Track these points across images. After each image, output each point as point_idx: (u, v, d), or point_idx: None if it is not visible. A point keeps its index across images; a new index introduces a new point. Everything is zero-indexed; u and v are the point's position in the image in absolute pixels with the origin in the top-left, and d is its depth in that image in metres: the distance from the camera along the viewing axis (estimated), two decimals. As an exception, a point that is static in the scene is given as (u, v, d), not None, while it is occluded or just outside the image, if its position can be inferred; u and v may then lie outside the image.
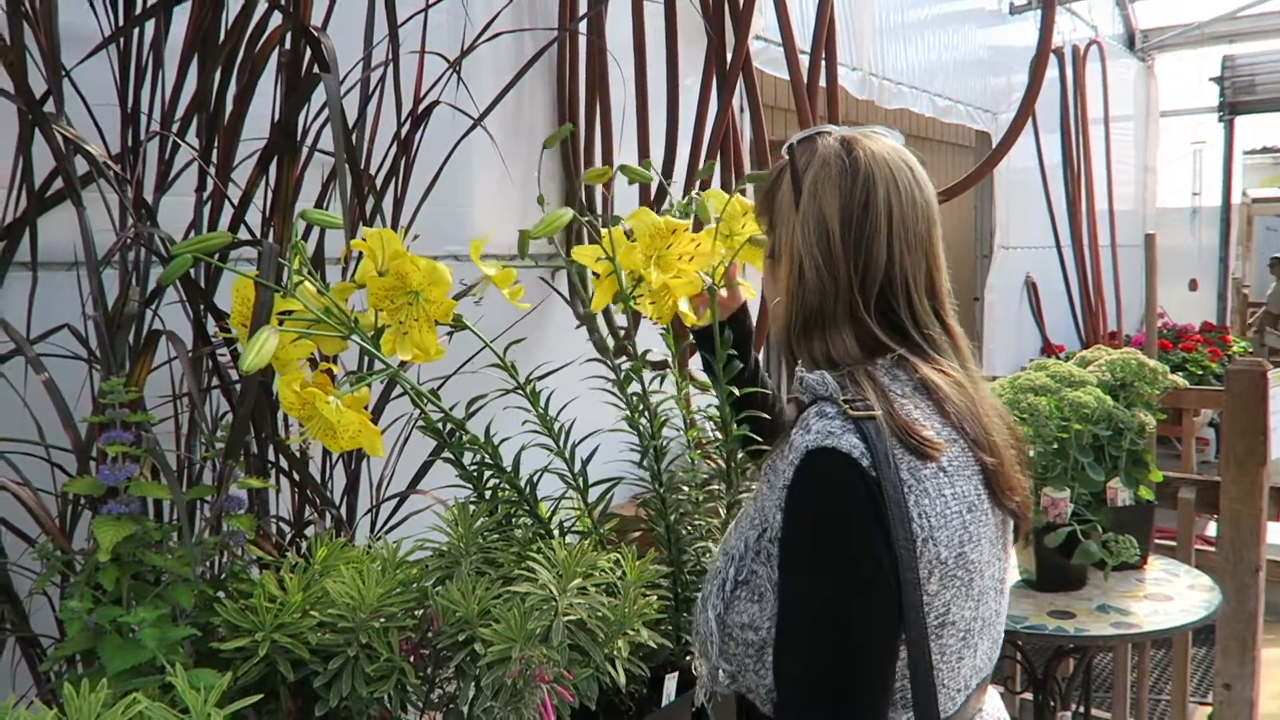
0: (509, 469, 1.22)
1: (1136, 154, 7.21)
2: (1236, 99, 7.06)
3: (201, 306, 1.23)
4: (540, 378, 1.32)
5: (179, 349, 0.98)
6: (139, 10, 1.25)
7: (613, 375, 1.29)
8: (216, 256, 1.14)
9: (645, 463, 1.30)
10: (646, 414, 1.31)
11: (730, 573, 0.95)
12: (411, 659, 1.03)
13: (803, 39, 2.24)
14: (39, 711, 0.75)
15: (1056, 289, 5.44)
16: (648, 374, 1.31)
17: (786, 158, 0.98)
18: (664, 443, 1.31)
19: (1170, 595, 2.03)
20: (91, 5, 1.25)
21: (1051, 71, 5.05)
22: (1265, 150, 8.68)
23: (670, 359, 1.39)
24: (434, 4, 1.40)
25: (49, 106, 1.13)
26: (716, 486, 1.37)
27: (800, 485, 0.88)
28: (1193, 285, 7.31)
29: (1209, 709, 2.80)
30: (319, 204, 1.41)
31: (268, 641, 0.98)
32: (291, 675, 1.00)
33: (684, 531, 1.34)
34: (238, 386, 1.25)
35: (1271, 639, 3.87)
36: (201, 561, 1.00)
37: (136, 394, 1.00)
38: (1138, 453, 2.15)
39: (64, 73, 1.17)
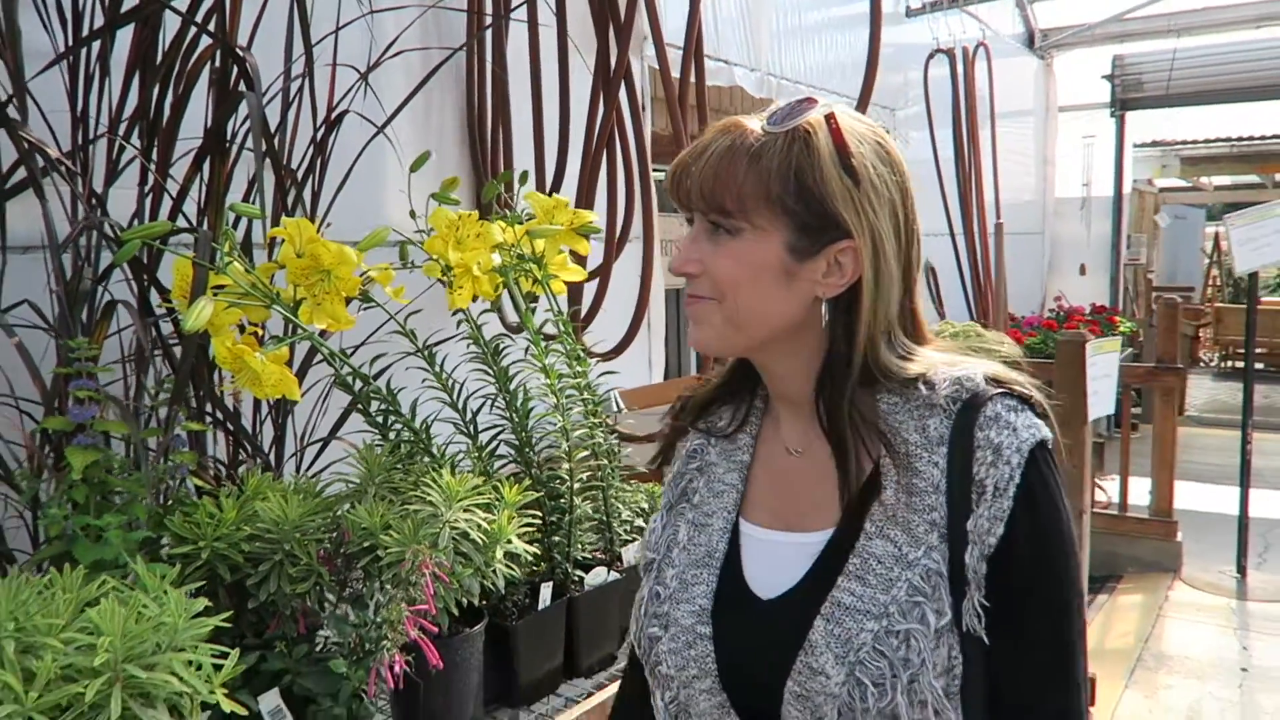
0: (407, 415, 1.48)
1: (1036, 147, 7.66)
2: (1126, 96, 7.55)
3: (146, 282, 1.46)
4: (435, 344, 1.58)
5: (132, 313, 1.21)
6: (87, 31, 1.47)
7: (480, 349, 1.56)
8: (159, 241, 1.38)
9: (512, 415, 1.58)
10: (505, 379, 1.60)
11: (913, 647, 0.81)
12: (326, 564, 1.29)
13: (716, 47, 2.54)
14: (36, 579, 0.99)
15: (954, 274, 5.82)
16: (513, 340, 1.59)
17: (820, 128, 0.84)
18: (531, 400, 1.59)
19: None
20: (46, 25, 1.47)
21: (944, 70, 5.42)
22: (1154, 144, 9.24)
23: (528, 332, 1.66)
24: (344, 26, 1.64)
25: (10, 111, 1.35)
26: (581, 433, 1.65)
27: (1041, 487, 0.81)
28: (1082, 270, 7.79)
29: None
30: (247, 197, 1.64)
31: (209, 549, 1.22)
32: (229, 577, 1.24)
33: (550, 470, 1.62)
34: (178, 350, 1.48)
35: (1130, 587, 4.30)
36: (152, 488, 1.24)
37: (97, 350, 1.23)
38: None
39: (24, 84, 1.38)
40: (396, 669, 1.15)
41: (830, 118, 0.85)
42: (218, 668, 1.01)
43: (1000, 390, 0.85)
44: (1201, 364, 11.49)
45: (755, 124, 0.87)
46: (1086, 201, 7.88)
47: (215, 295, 1.28)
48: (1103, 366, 2.62)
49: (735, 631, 0.89)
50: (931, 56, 5.28)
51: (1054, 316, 6.37)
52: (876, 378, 0.87)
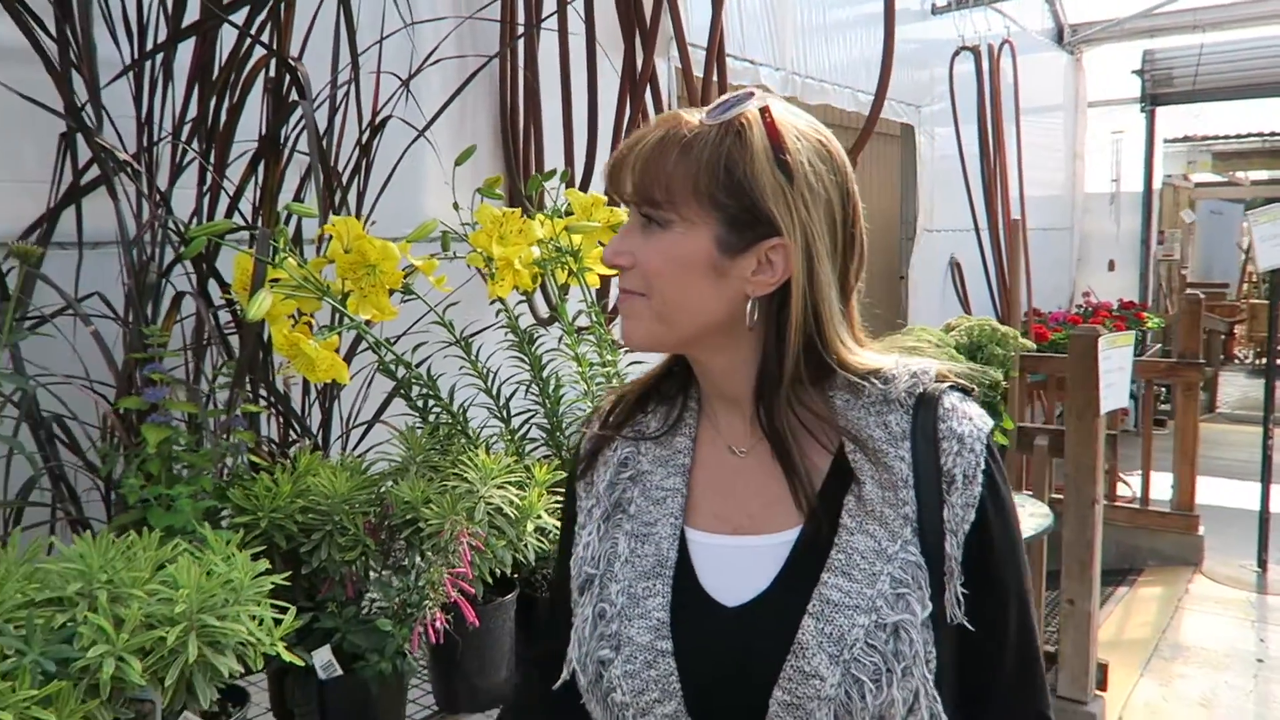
0: (446, 400, 1.59)
1: (1065, 142, 7.67)
2: (1157, 91, 7.54)
3: (205, 275, 1.58)
4: (473, 334, 1.69)
5: (200, 305, 1.33)
6: (152, 44, 1.59)
7: (516, 337, 1.67)
8: (219, 238, 1.50)
9: (544, 401, 1.68)
10: (538, 367, 1.71)
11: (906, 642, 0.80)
12: (372, 535, 1.40)
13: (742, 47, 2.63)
14: (119, 540, 1.11)
15: (979, 269, 5.87)
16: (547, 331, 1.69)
17: (755, 122, 0.83)
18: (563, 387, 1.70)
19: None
20: (114, 38, 1.59)
21: (970, 66, 5.47)
22: (1185, 139, 9.19)
23: (562, 323, 1.77)
24: (388, 36, 1.75)
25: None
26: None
27: (998, 472, 0.85)
28: (1110, 266, 7.79)
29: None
30: (297, 197, 1.76)
31: (266, 518, 1.34)
32: (284, 545, 1.36)
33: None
34: (231, 338, 1.61)
35: (1151, 580, 4.35)
36: (216, 462, 1.36)
37: (167, 337, 1.36)
38: (992, 404, 2.56)
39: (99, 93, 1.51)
40: (438, 625, 1.26)
41: (765, 111, 0.83)
42: (277, 623, 1.13)
43: (948, 383, 0.87)
44: (1236, 361, 11.40)
45: (696, 116, 0.85)
46: (1115, 197, 7.87)
47: (272, 288, 1.39)
48: (1116, 360, 2.69)
49: (700, 645, 0.84)
50: (957, 54, 5.33)
51: (1080, 312, 6.39)
52: (824, 374, 0.86)
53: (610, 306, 2.27)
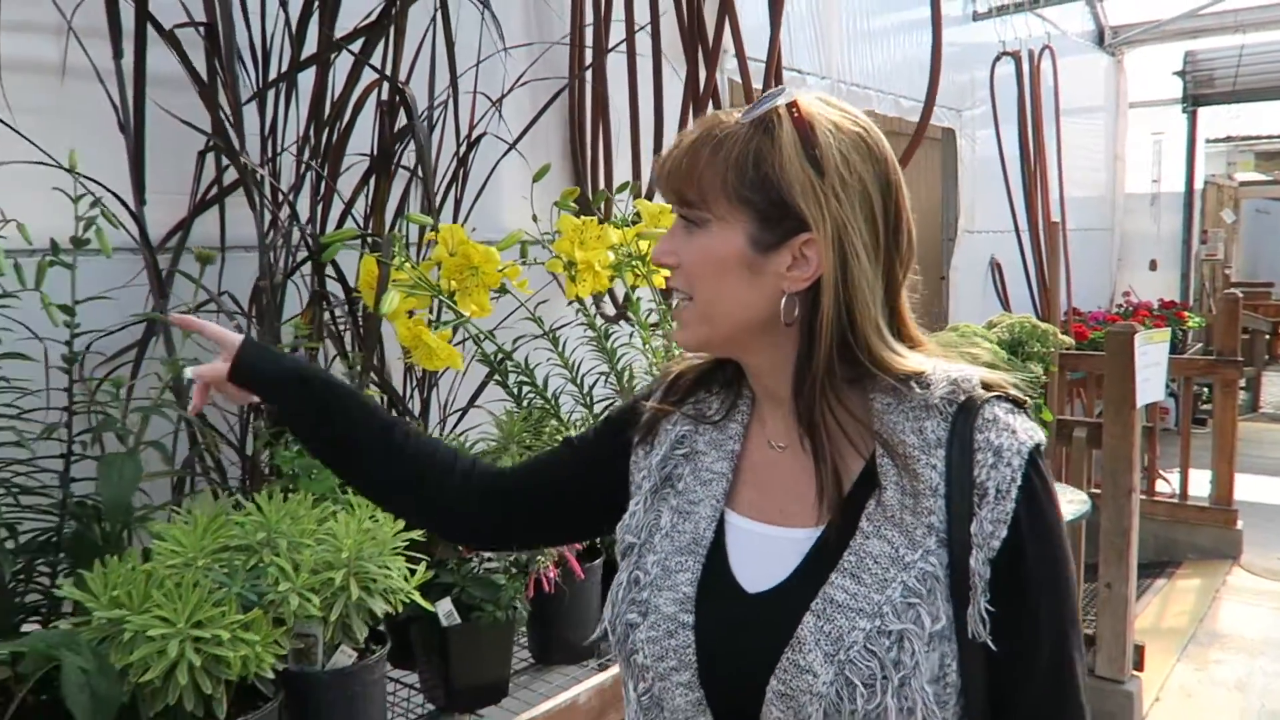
0: (540, 387, 1.78)
1: (1106, 143, 7.73)
2: (1198, 91, 7.59)
3: (323, 275, 1.79)
4: (559, 329, 1.88)
5: (338, 305, 1.53)
6: (276, 72, 1.80)
7: (593, 332, 1.86)
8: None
9: (621, 389, 1.87)
10: (614, 359, 1.89)
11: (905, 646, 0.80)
12: (479, 505, 1.59)
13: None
14: (285, 503, 1.31)
15: (1019, 269, 5.97)
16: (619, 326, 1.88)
17: (784, 116, 0.83)
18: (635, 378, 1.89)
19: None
20: (244, 68, 1.80)
21: (1010, 68, 5.57)
22: (1228, 139, 9.19)
23: (635, 320, 1.95)
24: (483, 60, 1.95)
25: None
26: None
27: (1042, 490, 0.82)
28: (1152, 266, 7.83)
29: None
30: (399, 206, 1.96)
31: (391, 487, 1.54)
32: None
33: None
34: (344, 334, 1.81)
35: (1189, 572, 4.45)
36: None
37: (309, 329, 1.56)
38: (1033, 400, 2.70)
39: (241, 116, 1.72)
40: (552, 574, 1.45)
41: (793, 105, 0.83)
42: (411, 574, 1.33)
43: (995, 394, 0.84)
44: (1281, 361, 11.32)
45: (733, 116, 0.86)
46: (1156, 197, 7.91)
47: (392, 287, 1.59)
48: (1153, 355, 2.82)
49: (718, 623, 0.87)
50: (998, 59, 5.44)
51: (1120, 312, 6.46)
52: (864, 375, 0.85)
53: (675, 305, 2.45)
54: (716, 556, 0.89)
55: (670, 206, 0.90)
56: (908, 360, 0.85)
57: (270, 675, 1.16)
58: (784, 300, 0.84)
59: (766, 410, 0.93)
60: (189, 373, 1.05)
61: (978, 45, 5.48)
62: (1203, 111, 7.74)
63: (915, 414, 0.84)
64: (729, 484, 0.92)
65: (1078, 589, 0.86)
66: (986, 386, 0.85)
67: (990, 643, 0.79)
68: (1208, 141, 8.24)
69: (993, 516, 0.79)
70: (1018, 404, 0.86)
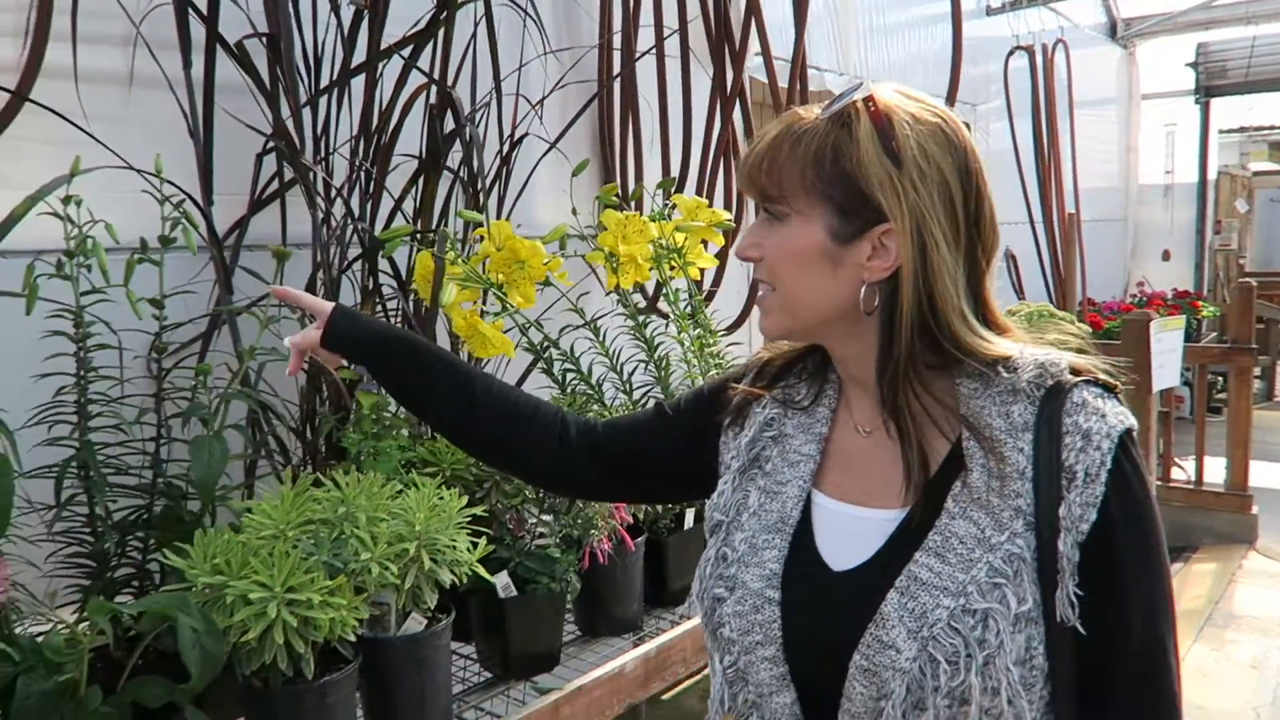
0: (584, 373, 1.88)
1: (1119, 135, 7.77)
2: (1211, 83, 7.63)
3: (377, 269, 1.88)
4: (598, 318, 1.97)
5: (398, 296, 1.63)
6: (329, 78, 1.89)
7: (633, 322, 1.95)
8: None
9: (659, 376, 1.97)
10: (652, 348, 1.99)
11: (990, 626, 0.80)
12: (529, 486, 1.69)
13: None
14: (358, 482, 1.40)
15: (1034, 260, 6.04)
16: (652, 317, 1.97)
17: (861, 110, 0.84)
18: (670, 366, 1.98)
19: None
20: (301, 77, 1.89)
21: (1024, 62, 5.64)
22: (1240, 129, 9.21)
23: (672, 311, 2.04)
24: (525, 64, 2.04)
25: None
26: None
27: (1134, 474, 0.81)
28: (1165, 256, 7.88)
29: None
30: (446, 203, 2.05)
31: (449, 468, 1.63)
32: (461, 490, 1.65)
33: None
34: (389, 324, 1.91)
35: (1205, 557, 4.52)
36: (411, 423, 1.65)
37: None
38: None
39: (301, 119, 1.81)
40: (606, 547, 1.54)
41: (870, 100, 0.84)
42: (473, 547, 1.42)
43: (1085, 378, 0.84)
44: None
45: (812, 112, 0.88)
46: (1170, 188, 7.96)
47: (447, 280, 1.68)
48: (1168, 343, 2.90)
49: (803, 600, 0.89)
50: (1012, 53, 5.50)
51: (1134, 302, 6.52)
52: (950, 361, 0.86)
53: (707, 294, 2.54)
54: (802, 535, 0.92)
55: (756, 200, 0.92)
56: (994, 345, 0.85)
57: (351, 639, 1.26)
58: (864, 290, 0.86)
59: (853, 396, 0.95)
60: (286, 341, 1.15)
61: (991, 39, 5.54)
62: (1215, 102, 7.77)
63: (1002, 398, 0.84)
64: (816, 466, 0.94)
65: (1169, 577, 0.86)
66: (1075, 371, 0.85)
67: (1079, 626, 0.79)
68: (1221, 132, 8.27)
69: (1081, 500, 0.79)
70: (1108, 388, 0.86)
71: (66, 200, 1.30)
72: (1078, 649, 0.81)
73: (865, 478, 0.92)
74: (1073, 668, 0.81)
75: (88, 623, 1.12)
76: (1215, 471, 4.85)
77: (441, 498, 1.41)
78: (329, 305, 1.14)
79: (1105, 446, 0.80)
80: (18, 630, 1.17)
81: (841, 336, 0.91)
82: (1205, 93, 7.68)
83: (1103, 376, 0.86)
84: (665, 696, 3.13)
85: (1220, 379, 7.03)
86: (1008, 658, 0.79)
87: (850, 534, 0.90)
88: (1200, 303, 7.01)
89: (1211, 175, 8.08)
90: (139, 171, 1.49)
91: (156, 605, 1.08)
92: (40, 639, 1.10)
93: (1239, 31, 7.07)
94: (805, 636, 0.87)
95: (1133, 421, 0.83)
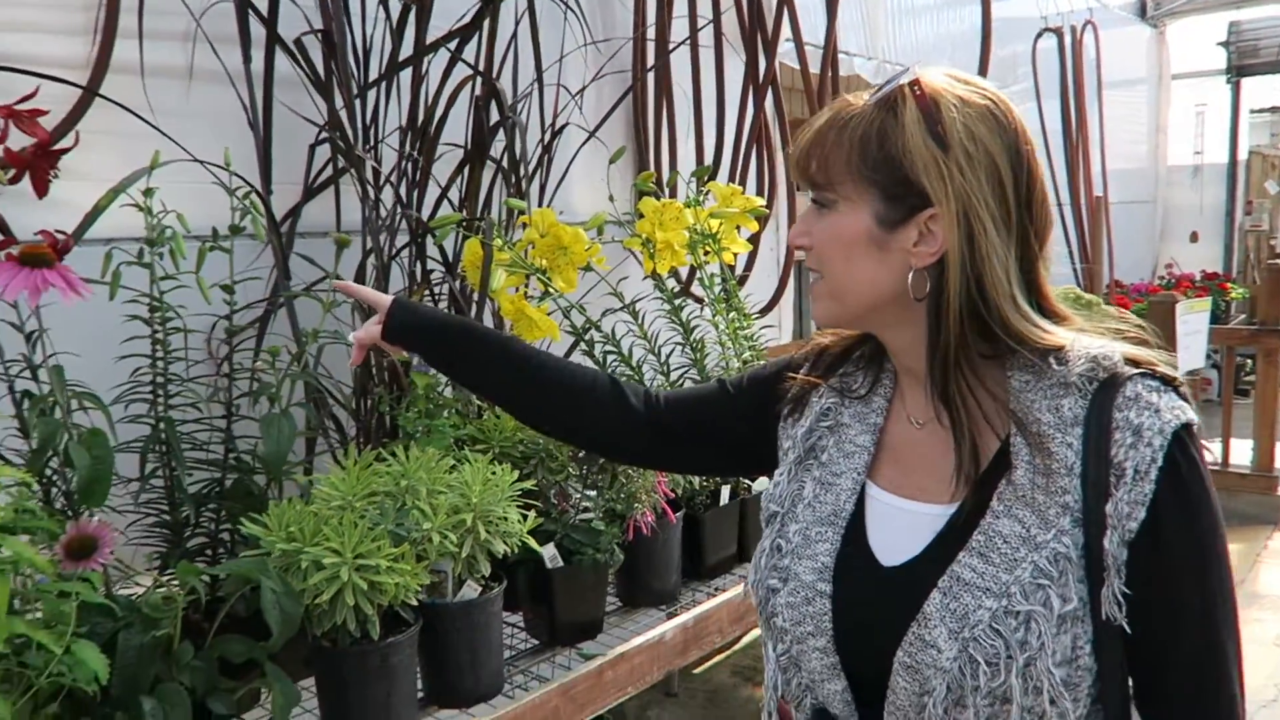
0: (625, 354, 1.95)
1: (1149, 115, 7.72)
2: (1242, 62, 7.55)
3: (425, 255, 1.96)
4: (635, 301, 2.04)
5: (449, 281, 1.70)
6: (378, 71, 1.96)
7: (670, 305, 2.03)
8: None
9: (695, 358, 2.04)
10: (688, 331, 2.06)
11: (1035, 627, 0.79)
12: (573, 461, 1.77)
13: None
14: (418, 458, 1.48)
15: (1061, 242, 6.04)
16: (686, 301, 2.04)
17: (907, 95, 0.84)
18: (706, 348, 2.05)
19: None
20: (353, 70, 1.97)
21: (1052, 43, 5.62)
22: (1273, 109, 9.11)
23: (707, 295, 2.11)
24: (566, 55, 2.11)
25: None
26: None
27: (1190, 473, 0.79)
28: (1193, 237, 7.84)
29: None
30: (490, 191, 2.13)
31: (498, 445, 1.72)
32: (509, 466, 1.74)
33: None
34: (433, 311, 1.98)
35: (1231, 537, 4.52)
36: (462, 403, 1.74)
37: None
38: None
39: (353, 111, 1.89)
40: (649, 519, 1.62)
41: (915, 84, 0.84)
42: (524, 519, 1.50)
43: (1140, 370, 0.81)
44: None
45: (861, 99, 0.88)
46: (1199, 169, 7.90)
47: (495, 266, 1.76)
48: (1193, 324, 2.93)
49: (854, 593, 0.89)
50: (1040, 35, 5.49)
51: (1162, 284, 6.50)
52: (1002, 351, 0.84)
53: (740, 278, 2.60)
54: (855, 528, 0.92)
55: (806, 188, 0.92)
56: (1048, 334, 0.83)
57: (413, 603, 1.34)
58: (912, 276, 0.86)
59: (906, 386, 0.95)
60: (350, 336, 1.23)
61: (1019, 20, 5.52)
62: (1247, 82, 7.69)
63: (1052, 392, 0.82)
64: (870, 457, 0.94)
65: (1231, 580, 0.82)
66: (1133, 363, 0.83)
67: (1126, 625, 0.78)
68: (1252, 112, 8.17)
69: (1130, 498, 0.78)
70: (1166, 381, 0.83)
71: (147, 193, 1.38)
72: (1129, 648, 0.80)
73: (917, 471, 0.92)
74: (1122, 667, 0.81)
75: (175, 585, 1.21)
76: (1242, 454, 4.86)
77: (494, 473, 1.49)
78: (387, 299, 1.21)
79: (1157, 443, 0.78)
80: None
81: (892, 324, 0.91)
82: (1237, 72, 7.61)
83: (1162, 369, 0.83)
84: (697, 670, 3.23)
85: (1249, 361, 7.00)
86: (1050, 659, 0.78)
87: (900, 528, 0.90)
88: (1229, 284, 6.98)
89: (1242, 156, 8.01)
90: (205, 164, 1.57)
91: (240, 569, 1.17)
92: (134, 598, 1.19)
93: (1272, 10, 7.00)
94: (854, 630, 0.88)
95: (1191, 416, 0.81)
